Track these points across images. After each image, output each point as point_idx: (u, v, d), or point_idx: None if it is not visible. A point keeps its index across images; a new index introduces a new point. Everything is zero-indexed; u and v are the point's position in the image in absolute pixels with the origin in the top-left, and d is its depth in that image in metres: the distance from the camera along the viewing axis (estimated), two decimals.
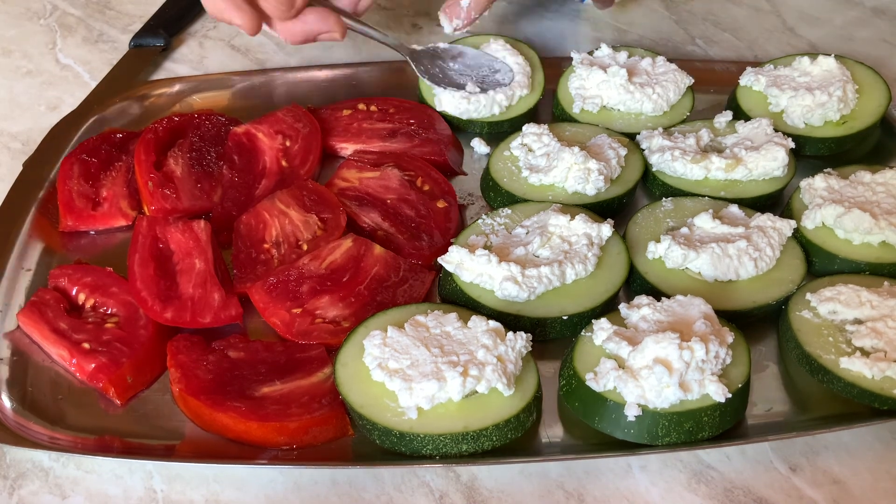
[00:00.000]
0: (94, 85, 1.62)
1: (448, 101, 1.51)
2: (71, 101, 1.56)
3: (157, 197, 1.34)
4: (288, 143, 1.44)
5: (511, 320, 1.15)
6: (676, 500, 1.04)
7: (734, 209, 1.31)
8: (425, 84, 1.55)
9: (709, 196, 1.35)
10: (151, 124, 1.43)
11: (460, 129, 1.53)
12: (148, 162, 1.37)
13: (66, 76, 1.69)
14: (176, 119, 1.45)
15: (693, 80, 1.54)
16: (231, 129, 1.46)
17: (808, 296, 1.19)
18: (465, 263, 1.19)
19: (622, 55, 1.59)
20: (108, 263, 1.26)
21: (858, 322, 1.15)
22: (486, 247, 1.24)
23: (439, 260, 1.22)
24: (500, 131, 1.51)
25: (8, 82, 1.66)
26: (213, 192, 1.38)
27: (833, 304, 1.16)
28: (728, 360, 1.07)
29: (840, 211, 1.26)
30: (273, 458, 1.04)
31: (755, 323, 1.21)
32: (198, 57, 1.75)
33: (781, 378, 1.16)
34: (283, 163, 1.42)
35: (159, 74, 1.69)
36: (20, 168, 1.41)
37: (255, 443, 1.05)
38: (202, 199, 1.36)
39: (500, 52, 1.57)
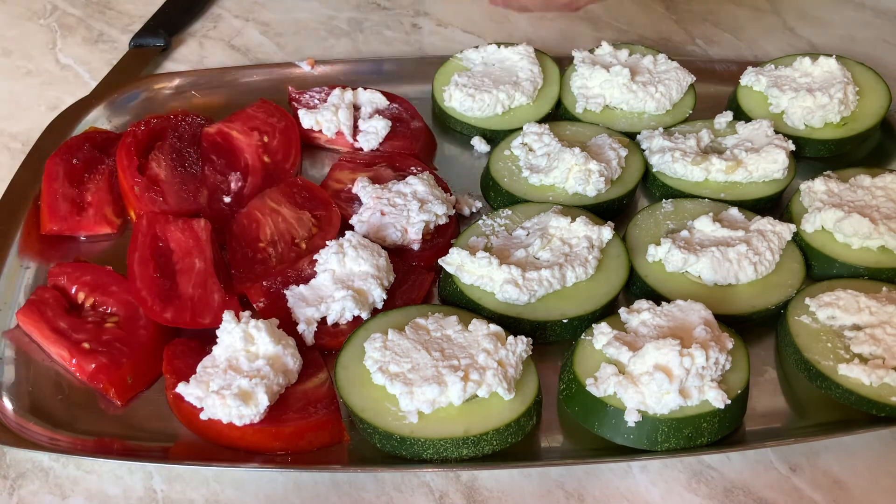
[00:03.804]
0: (94, 85, 1.62)
1: (457, 98, 1.51)
2: (71, 101, 1.56)
3: (145, 201, 1.32)
4: (266, 139, 1.44)
5: (511, 323, 1.15)
6: (676, 500, 1.05)
7: (734, 212, 1.31)
8: (439, 78, 1.57)
9: (709, 198, 1.35)
10: (130, 128, 1.41)
11: (461, 131, 1.53)
12: (132, 166, 1.35)
13: (66, 76, 1.68)
14: (153, 121, 1.43)
15: (695, 78, 1.54)
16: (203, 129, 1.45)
17: (807, 301, 1.19)
18: (465, 265, 1.19)
19: (623, 53, 1.59)
20: (107, 261, 1.26)
21: (857, 328, 1.15)
22: (486, 248, 1.23)
23: (440, 262, 1.22)
24: (497, 137, 1.50)
25: (8, 82, 1.66)
26: (198, 192, 1.37)
27: (832, 309, 1.16)
28: (727, 366, 1.07)
29: (839, 215, 1.26)
30: (273, 461, 1.04)
31: (754, 327, 1.21)
32: (198, 57, 1.75)
33: (780, 383, 1.16)
34: (266, 158, 1.42)
35: None
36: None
37: (250, 448, 1.05)
38: (189, 200, 1.35)
39: (521, 58, 1.56)
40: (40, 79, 1.67)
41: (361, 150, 1.47)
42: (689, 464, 1.08)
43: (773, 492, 1.06)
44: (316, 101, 1.53)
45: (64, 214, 1.32)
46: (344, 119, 1.47)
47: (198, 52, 1.76)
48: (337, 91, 1.53)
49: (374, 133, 1.46)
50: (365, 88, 1.54)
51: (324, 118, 1.47)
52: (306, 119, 1.48)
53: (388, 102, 1.53)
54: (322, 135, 1.49)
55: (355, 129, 1.48)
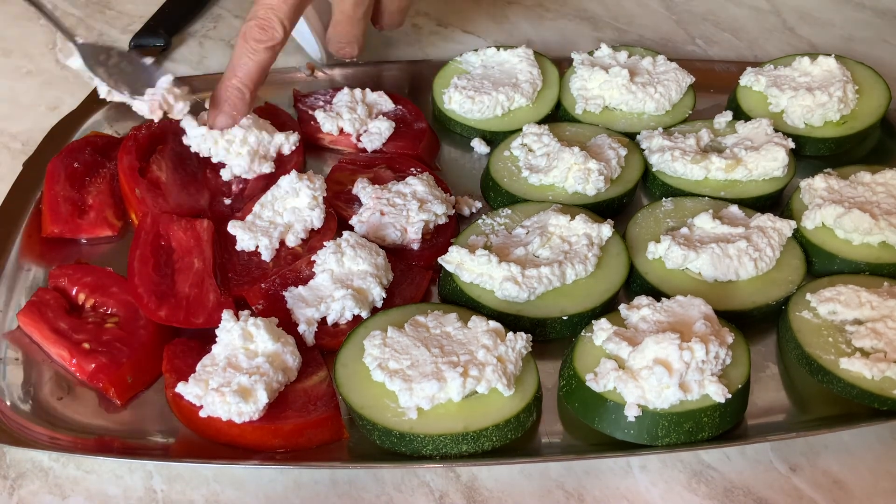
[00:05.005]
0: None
1: (457, 100, 1.51)
2: (71, 101, 1.56)
3: (147, 204, 1.31)
4: None
5: (511, 320, 1.15)
6: (676, 500, 1.05)
7: (734, 209, 1.31)
8: (438, 81, 1.57)
9: (709, 196, 1.35)
10: (131, 131, 1.41)
11: (460, 133, 1.54)
12: (133, 169, 1.35)
13: (66, 76, 1.69)
14: (154, 124, 1.42)
15: (694, 79, 1.54)
16: None
17: (808, 296, 1.19)
18: (465, 264, 1.19)
19: (622, 55, 1.59)
20: (107, 263, 1.26)
21: (858, 322, 1.15)
22: (486, 247, 1.24)
23: (439, 260, 1.22)
24: (496, 139, 1.50)
25: (8, 82, 1.66)
26: (199, 195, 1.37)
27: (833, 304, 1.16)
28: (728, 361, 1.07)
29: (840, 211, 1.26)
30: (273, 458, 1.04)
31: (755, 323, 1.21)
32: (198, 57, 1.75)
33: (781, 378, 1.16)
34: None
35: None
36: (20, 168, 1.41)
37: (249, 446, 1.05)
38: (190, 203, 1.35)
39: (521, 60, 1.56)
40: (40, 79, 1.68)
41: (365, 150, 1.47)
42: (689, 463, 1.08)
43: (773, 492, 1.06)
44: (321, 103, 1.53)
45: (65, 217, 1.32)
46: (363, 116, 1.48)
47: (198, 52, 1.76)
48: (346, 90, 1.53)
49: (377, 134, 1.46)
50: (373, 90, 1.55)
51: (344, 121, 1.47)
52: (326, 123, 1.48)
53: (393, 105, 1.53)
54: (326, 135, 1.49)
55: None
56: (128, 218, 1.36)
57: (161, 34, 1.74)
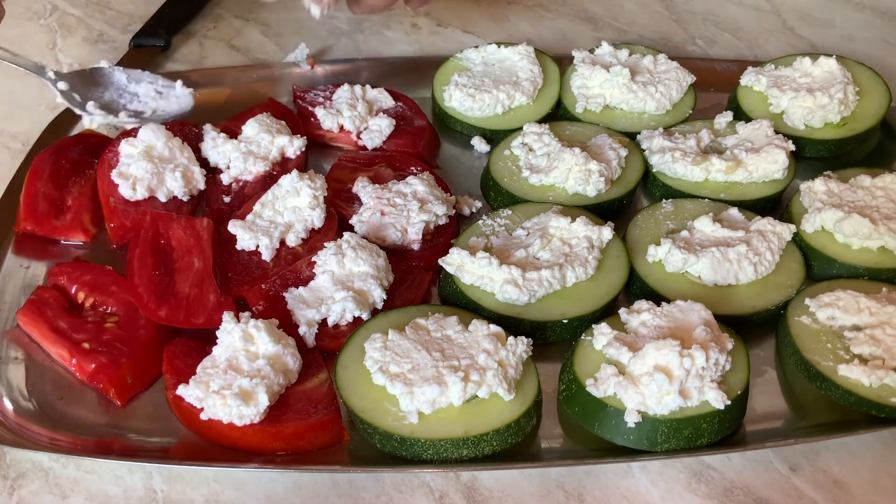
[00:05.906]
0: None
1: (457, 98, 1.51)
2: None
3: (118, 214, 1.30)
4: None
5: (511, 323, 1.15)
6: (676, 500, 1.05)
7: (734, 212, 1.31)
8: (439, 78, 1.56)
9: (709, 198, 1.35)
10: (120, 135, 1.40)
11: (461, 131, 1.54)
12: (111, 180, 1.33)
13: None
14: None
15: (695, 79, 1.54)
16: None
17: (807, 301, 1.19)
18: (465, 266, 1.19)
19: (623, 53, 1.59)
20: (106, 262, 1.26)
21: (857, 328, 1.15)
22: (486, 249, 1.24)
23: (440, 262, 1.22)
24: (497, 137, 1.50)
25: (8, 82, 1.66)
26: (185, 206, 1.36)
27: (832, 309, 1.16)
28: (727, 367, 1.07)
29: (839, 215, 1.26)
30: (273, 461, 1.04)
31: (754, 327, 1.21)
32: (198, 57, 1.75)
33: (780, 383, 1.16)
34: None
35: None
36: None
37: (250, 448, 1.05)
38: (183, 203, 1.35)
39: (522, 58, 1.56)
40: (40, 79, 1.67)
41: (365, 148, 1.47)
42: (689, 464, 1.08)
43: (773, 492, 1.06)
44: (321, 99, 1.53)
45: (41, 215, 1.30)
46: (364, 113, 1.48)
47: (198, 52, 1.76)
48: (346, 87, 1.53)
49: (378, 131, 1.46)
50: (373, 87, 1.55)
51: (344, 118, 1.47)
52: (327, 120, 1.48)
53: (393, 102, 1.53)
54: (326, 132, 1.49)
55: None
56: (103, 225, 1.33)
57: (161, 34, 1.74)
